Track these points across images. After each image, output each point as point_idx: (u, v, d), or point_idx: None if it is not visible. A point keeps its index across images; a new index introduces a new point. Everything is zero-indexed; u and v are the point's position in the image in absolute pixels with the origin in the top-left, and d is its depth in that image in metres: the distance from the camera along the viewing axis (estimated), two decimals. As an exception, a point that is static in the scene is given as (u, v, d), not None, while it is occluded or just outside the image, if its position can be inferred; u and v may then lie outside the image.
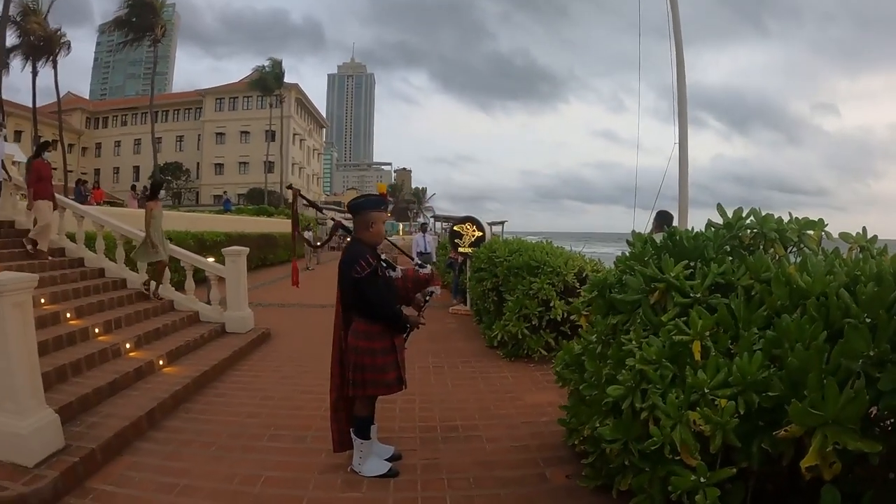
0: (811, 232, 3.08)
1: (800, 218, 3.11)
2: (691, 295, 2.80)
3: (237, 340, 7.77)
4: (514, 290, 7.36)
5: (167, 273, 8.56)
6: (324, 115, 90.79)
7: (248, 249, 8.96)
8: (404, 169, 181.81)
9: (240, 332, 8.27)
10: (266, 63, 55.93)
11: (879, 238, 2.97)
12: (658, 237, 5.36)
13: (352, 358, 3.78)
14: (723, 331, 2.53)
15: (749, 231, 3.12)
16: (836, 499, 1.88)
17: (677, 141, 5.73)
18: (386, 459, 4.04)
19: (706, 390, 2.23)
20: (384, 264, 3.93)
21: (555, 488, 3.73)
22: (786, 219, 3.13)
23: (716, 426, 2.12)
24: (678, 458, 2.28)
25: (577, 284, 7.11)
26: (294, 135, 64.79)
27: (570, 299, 7.01)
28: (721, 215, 3.29)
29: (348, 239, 4.07)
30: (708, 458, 2.23)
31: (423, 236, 15.94)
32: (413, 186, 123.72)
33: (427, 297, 4.28)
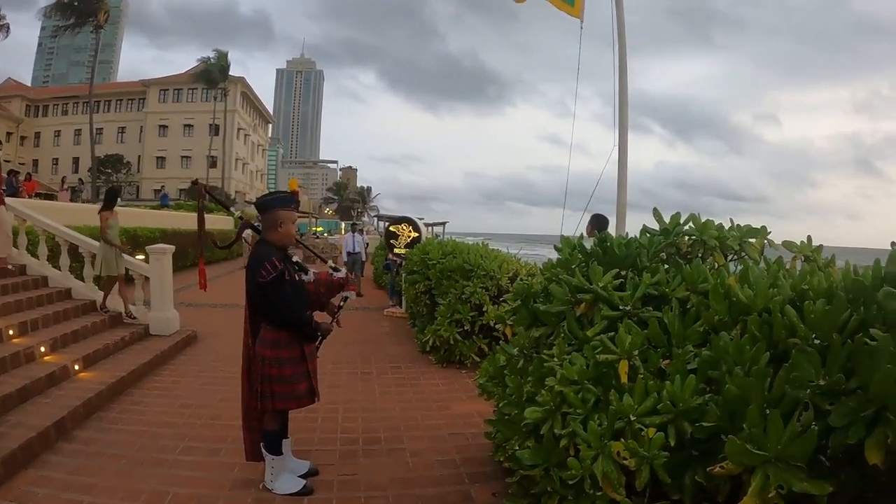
0: (753, 240, 2.85)
1: (741, 225, 2.87)
2: (621, 307, 2.51)
3: (160, 343, 7.32)
4: (446, 293, 7.08)
5: (118, 286, 7.97)
6: (271, 110, 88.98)
7: (173, 247, 8.40)
8: (350, 167, 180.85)
9: (164, 334, 7.78)
10: (212, 55, 54.40)
11: (817, 245, 2.78)
12: (590, 242, 5.14)
13: (258, 369, 3.51)
14: (654, 348, 2.25)
15: (687, 238, 2.86)
16: None
17: (617, 143, 5.54)
18: (301, 476, 3.77)
19: (632, 417, 1.94)
20: (295, 267, 3.67)
21: None
22: (727, 225, 2.89)
23: (642, 460, 1.82)
24: (600, 492, 1.98)
25: (511, 288, 6.87)
26: (238, 129, 63.10)
27: (502, 301, 6.79)
28: (657, 220, 3.02)
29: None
30: (635, 492, 1.94)
31: (353, 236, 15.71)
32: (358, 185, 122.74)
33: (341, 303, 3.99)
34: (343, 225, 59.20)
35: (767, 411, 1.64)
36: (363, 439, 4.57)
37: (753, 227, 2.88)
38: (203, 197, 4.43)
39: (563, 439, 2.14)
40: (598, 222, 5.89)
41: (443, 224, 18.84)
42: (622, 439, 1.94)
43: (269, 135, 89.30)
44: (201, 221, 4.30)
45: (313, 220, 50.63)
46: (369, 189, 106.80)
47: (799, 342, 1.80)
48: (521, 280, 6.74)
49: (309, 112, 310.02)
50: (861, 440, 1.49)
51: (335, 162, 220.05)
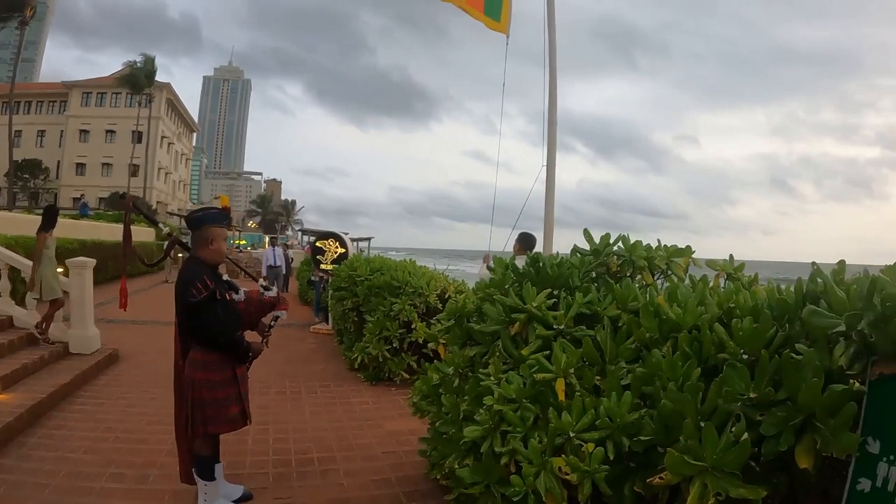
0: (679, 259, 2.98)
1: (668, 245, 3.01)
2: (555, 326, 2.57)
3: (81, 363, 6.89)
4: (374, 310, 7.02)
5: (61, 312, 7.41)
6: (196, 118, 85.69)
7: (94, 261, 7.90)
8: (274, 180, 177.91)
9: (84, 353, 7.30)
10: (138, 59, 51.88)
11: (735, 259, 2.96)
12: (521, 261, 5.22)
13: (189, 392, 3.37)
14: (589, 366, 2.31)
15: (616, 258, 2.96)
16: None
17: (545, 163, 5.70)
18: (235, 501, 3.68)
19: (572, 434, 1.99)
20: (225, 286, 3.53)
21: None
22: (654, 243, 3.01)
23: (584, 474, 1.86)
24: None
25: (440, 305, 6.89)
26: (162, 137, 60.41)
27: (433, 321, 6.78)
28: (587, 241, 3.12)
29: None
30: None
31: (274, 250, 15.70)
32: (283, 198, 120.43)
33: (272, 322, 3.89)
34: (267, 239, 57.94)
35: (702, 424, 1.72)
36: (296, 461, 4.45)
37: (679, 247, 3.01)
38: (130, 211, 4.19)
39: (503, 457, 2.16)
40: (525, 241, 5.98)
41: (368, 239, 18.75)
42: (563, 455, 1.97)
43: (194, 144, 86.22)
44: (128, 237, 4.06)
45: (237, 233, 49.04)
46: (294, 202, 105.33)
47: (728, 357, 1.90)
48: (452, 298, 6.82)
49: (235, 122, 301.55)
50: (791, 447, 1.59)
51: (260, 174, 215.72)
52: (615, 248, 3.00)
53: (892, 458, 1.54)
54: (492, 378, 2.51)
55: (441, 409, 3.23)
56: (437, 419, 3.36)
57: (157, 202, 54.48)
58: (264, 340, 3.80)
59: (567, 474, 1.91)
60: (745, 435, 1.64)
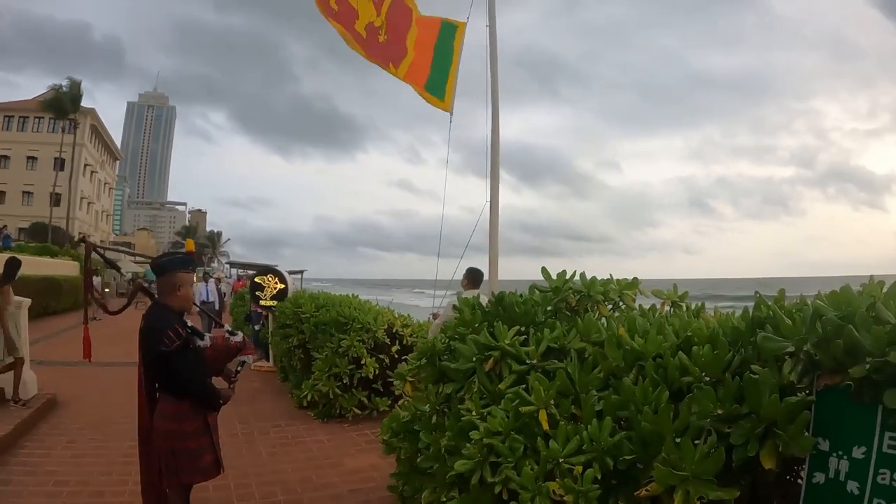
0: (629, 291, 3.27)
1: (620, 279, 3.29)
2: (527, 361, 2.77)
3: (20, 410, 6.55)
4: (322, 347, 7.07)
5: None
6: (119, 145, 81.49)
7: (29, 300, 7.52)
8: (199, 210, 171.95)
9: (21, 399, 6.87)
10: (64, 82, 49.23)
11: (657, 278, 3.27)
12: (472, 293, 5.43)
13: (160, 444, 3.33)
14: (563, 396, 2.52)
15: (574, 294, 3.20)
16: None
17: (489, 199, 5.96)
18: None
19: (561, 459, 2.17)
20: (191, 332, 3.48)
21: None
22: (581, 269, 3.29)
23: (577, 494, 2.05)
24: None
25: (388, 340, 7.01)
26: (85, 165, 57.03)
27: (381, 356, 6.88)
28: (545, 278, 3.35)
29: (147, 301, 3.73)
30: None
31: (206, 285, 15.51)
32: (208, 229, 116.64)
33: (239, 368, 3.90)
34: (198, 273, 55.21)
35: (677, 440, 1.96)
36: None
37: (628, 280, 3.31)
38: (90, 255, 4.11)
39: (496, 486, 2.32)
40: (472, 276, 6.18)
41: (300, 272, 18.53)
42: (554, 480, 2.16)
43: (116, 172, 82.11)
44: (89, 282, 3.99)
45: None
46: (220, 234, 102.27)
47: (693, 381, 2.15)
48: (398, 332, 6.93)
49: (159, 150, 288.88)
50: (756, 452, 1.84)
51: (184, 204, 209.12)
52: (573, 284, 3.24)
53: (840, 453, 1.82)
54: (473, 413, 2.66)
55: (416, 445, 3.34)
56: (410, 455, 3.47)
57: (80, 233, 51.17)
58: (231, 386, 3.80)
59: (562, 496, 2.09)
60: (717, 444, 1.89)
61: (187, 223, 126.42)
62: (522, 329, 3.00)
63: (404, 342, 7.06)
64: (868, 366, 1.71)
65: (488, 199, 5.97)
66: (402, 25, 6.44)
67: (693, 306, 3.08)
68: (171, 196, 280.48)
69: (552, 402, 2.41)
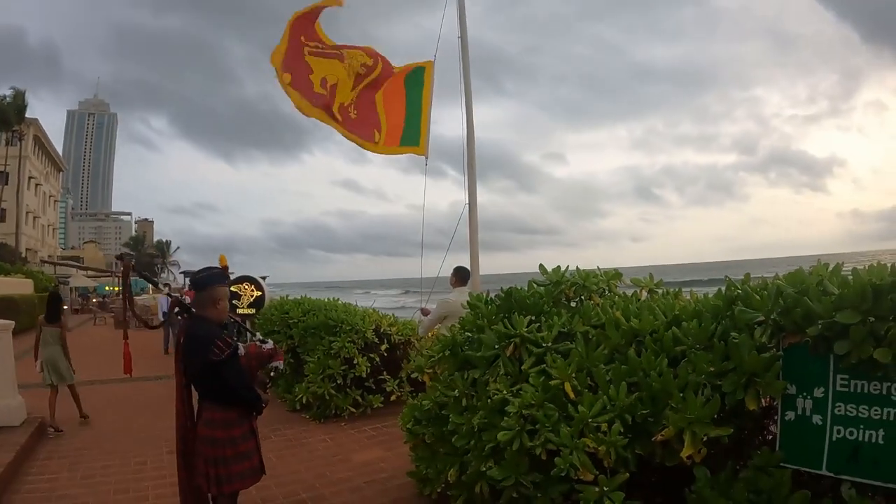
0: (614, 281, 3.86)
1: (607, 271, 3.87)
2: (543, 345, 3.32)
3: (15, 436, 6.36)
4: (313, 350, 7.37)
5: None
6: (60, 155, 77.36)
7: (12, 323, 7.43)
8: (146, 219, 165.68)
9: (13, 425, 6.77)
10: (7, 92, 46.46)
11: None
12: (458, 293, 5.94)
13: (209, 452, 3.45)
14: (578, 370, 3.07)
15: (571, 286, 3.77)
16: (706, 474, 2.55)
17: (468, 201, 6.48)
18: None
19: (590, 420, 2.73)
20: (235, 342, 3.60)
21: None
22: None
23: (608, 445, 2.61)
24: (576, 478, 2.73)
25: (377, 340, 7.41)
26: (30, 178, 53.90)
27: (371, 355, 7.28)
28: (542, 273, 3.92)
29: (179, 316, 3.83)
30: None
31: (167, 298, 15.27)
32: (156, 238, 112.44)
33: (272, 373, 4.15)
34: (150, 285, 52.98)
35: (683, 394, 2.54)
36: (291, 502, 4.70)
37: (614, 272, 3.88)
38: (129, 273, 4.26)
39: (536, 448, 2.84)
40: (460, 274, 6.67)
41: (263, 279, 18.63)
42: (587, 436, 2.71)
43: (61, 184, 77.99)
44: (129, 300, 4.26)
45: (115, 278, 44.49)
46: (169, 243, 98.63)
47: (686, 348, 2.74)
48: (385, 331, 7.36)
49: (101, 159, 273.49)
50: (742, 397, 2.44)
51: (129, 214, 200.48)
52: (568, 276, 3.80)
53: (804, 394, 2.45)
54: (504, 392, 3.18)
55: (441, 429, 3.83)
56: (436, 438, 3.95)
57: (27, 249, 48.51)
58: (266, 391, 4.07)
59: (595, 448, 2.64)
60: (713, 396, 2.48)
61: (134, 233, 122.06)
62: (533, 318, 3.53)
63: (391, 341, 7.51)
64: (820, 326, 2.35)
65: (467, 202, 6.48)
66: (370, 95, 6.78)
67: (669, 291, 3.67)
68: (116, 206, 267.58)
69: (574, 375, 2.96)
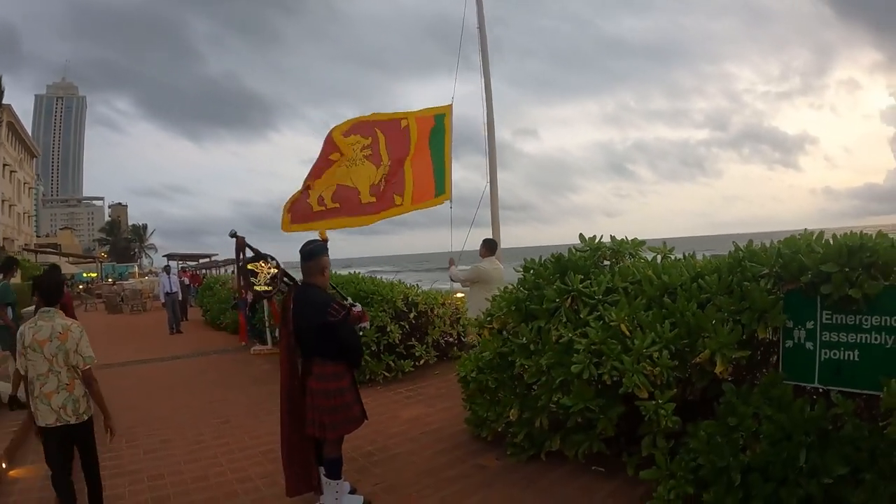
0: (639, 248, 4.83)
1: (633, 239, 4.85)
2: (595, 297, 4.28)
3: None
4: (348, 321, 8.11)
5: None
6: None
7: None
8: (120, 204, 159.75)
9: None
10: None
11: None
12: (488, 262, 6.84)
13: (323, 402, 3.84)
14: (625, 316, 4.03)
15: (608, 250, 4.73)
16: (731, 388, 3.57)
17: (489, 179, 7.33)
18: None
19: (644, 350, 3.70)
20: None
21: (496, 469, 4.61)
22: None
23: (662, 368, 3.60)
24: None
25: (405, 309, 8.22)
26: (4, 165, 51.52)
27: (402, 323, 8.08)
28: (581, 241, 4.90)
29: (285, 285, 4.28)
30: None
31: (168, 277, 16.61)
32: (130, 223, 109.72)
33: (359, 333, 4.44)
34: (136, 268, 51.86)
35: (714, 326, 3.52)
36: (359, 455, 5.11)
37: (638, 240, 4.84)
38: (243, 250, 4.49)
39: (604, 375, 3.81)
40: (489, 245, 7.53)
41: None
42: (643, 362, 3.67)
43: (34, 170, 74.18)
44: (244, 276, 4.55)
45: (98, 264, 42.80)
46: (145, 226, 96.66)
47: (710, 296, 3.74)
48: (413, 300, 8.19)
49: (71, 143, 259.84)
50: (755, 329, 3.47)
51: (101, 199, 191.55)
52: (604, 244, 4.78)
53: (799, 327, 3.51)
54: (570, 334, 4.12)
55: (503, 374, 4.76)
56: (499, 382, 4.85)
57: (4, 238, 46.58)
58: None
59: (651, 370, 3.62)
60: (735, 327, 3.49)
61: (108, 218, 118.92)
62: (583, 276, 4.47)
63: (419, 308, 8.37)
64: (810, 275, 3.37)
65: (488, 181, 7.32)
66: (400, 155, 7.06)
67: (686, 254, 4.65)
68: (87, 191, 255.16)
69: (625, 318, 3.92)
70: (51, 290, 3.93)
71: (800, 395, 3.46)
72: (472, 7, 7.68)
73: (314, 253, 4.02)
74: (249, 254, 4.49)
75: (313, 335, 3.88)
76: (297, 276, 4.37)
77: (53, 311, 3.79)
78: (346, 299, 4.41)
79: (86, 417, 3.83)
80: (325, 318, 3.77)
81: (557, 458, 4.57)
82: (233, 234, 4.39)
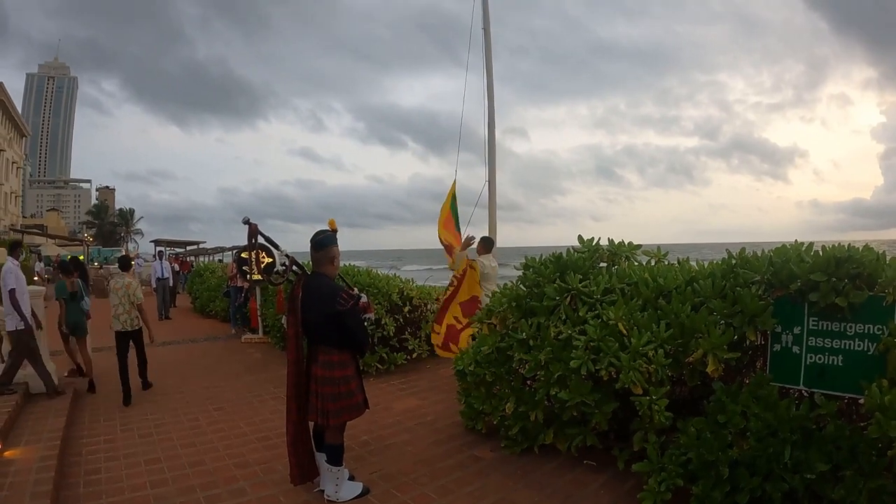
0: (635, 251, 5.02)
1: (629, 242, 5.03)
2: (593, 297, 4.46)
3: (57, 402, 6.59)
4: (342, 312, 8.24)
5: None
6: None
7: (44, 289, 8.09)
8: (107, 187, 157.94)
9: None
10: None
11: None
12: (485, 259, 7.02)
13: (328, 389, 3.91)
14: (622, 315, 4.22)
15: (606, 252, 4.92)
16: (721, 387, 3.77)
17: (487, 179, 7.52)
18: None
19: (640, 349, 3.89)
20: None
21: (491, 461, 4.77)
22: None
23: (657, 365, 3.79)
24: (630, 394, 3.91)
25: (400, 302, 8.36)
26: None
27: (397, 316, 8.21)
28: (580, 242, 5.08)
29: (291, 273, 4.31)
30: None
31: (161, 263, 16.81)
32: (117, 207, 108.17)
33: (365, 323, 4.51)
34: (159, 251, 50.60)
35: (707, 328, 3.71)
36: (356, 444, 5.19)
37: (634, 243, 5.03)
38: (255, 237, 4.47)
39: (601, 371, 3.99)
40: (486, 243, 7.73)
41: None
42: (640, 359, 3.86)
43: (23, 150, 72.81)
44: (256, 261, 4.71)
45: (85, 246, 41.95)
46: (132, 211, 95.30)
47: (703, 299, 3.93)
48: (407, 294, 8.31)
49: (60, 124, 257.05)
50: (745, 332, 3.68)
51: (88, 181, 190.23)
52: (602, 246, 4.96)
53: (787, 331, 3.72)
54: (569, 331, 4.30)
55: (501, 368, 4.93)
56: (496, 376, 4.99)
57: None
58: None
59: (647, 367, 3.81)
60: (727, 329, 3.68)
61: (95, 201, 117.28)
62: (581, 276, 4.65)
63: (413, 303, 8.51)
64: (799, 283, 3.56)
65: (487, 180, 7.52)
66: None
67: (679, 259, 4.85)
68: (75, 173, 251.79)
69: (623, 317, 4.11)
70: (120, 264, 8.27)
71: (785, 396, 3.68)
72: (478, 7, 7.83)
73: (324, 243, 4.07)
74: (262, 241, 4.53)
75: (322, 323, 3.94)
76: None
77: (124, 274, 7.59)
78: (353, 289, 4.45)
79: (138, 326, 7.32)
80: (335, 306, 3.84)
81: (550, 451, 4.77)
82: (246, 221, 4.38)
